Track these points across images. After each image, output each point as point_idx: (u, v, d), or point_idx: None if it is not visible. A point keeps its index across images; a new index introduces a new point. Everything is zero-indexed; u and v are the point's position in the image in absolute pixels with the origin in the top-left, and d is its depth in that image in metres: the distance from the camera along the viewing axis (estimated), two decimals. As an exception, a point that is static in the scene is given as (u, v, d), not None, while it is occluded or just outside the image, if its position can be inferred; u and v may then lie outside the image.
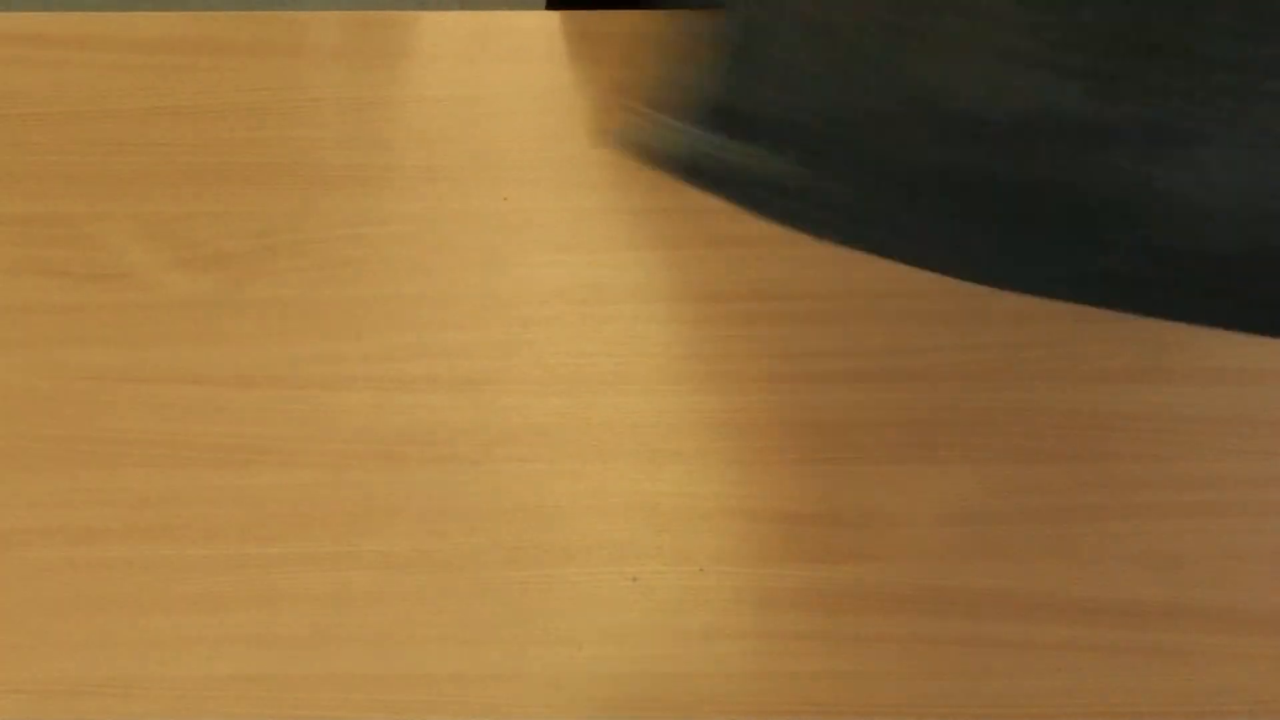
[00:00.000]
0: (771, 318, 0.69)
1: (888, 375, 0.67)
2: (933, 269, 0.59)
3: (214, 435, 0.65)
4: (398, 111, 0.76)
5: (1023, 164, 0.52)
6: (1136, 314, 0.58)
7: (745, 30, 0.54)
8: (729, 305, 0.69)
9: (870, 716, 0.58)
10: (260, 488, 0.64)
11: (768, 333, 0.69)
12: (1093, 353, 0.68)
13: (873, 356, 0.68)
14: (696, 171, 0.56)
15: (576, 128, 0.75)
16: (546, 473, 0.64)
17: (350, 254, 0.70)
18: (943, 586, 0.61)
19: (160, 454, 0.65)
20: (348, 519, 0.63)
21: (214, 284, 0.69)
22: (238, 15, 0.78)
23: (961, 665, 0.59)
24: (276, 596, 0.61)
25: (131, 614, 0.61)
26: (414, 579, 0.62)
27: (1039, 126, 0.51)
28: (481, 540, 0.63)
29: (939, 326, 0.69)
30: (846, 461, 0.64)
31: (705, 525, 0.63)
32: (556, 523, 0.63)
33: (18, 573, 0.62)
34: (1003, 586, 0.61)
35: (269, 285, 0.69)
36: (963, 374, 0.67)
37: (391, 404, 0.66)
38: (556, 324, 0.69)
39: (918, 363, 0.68)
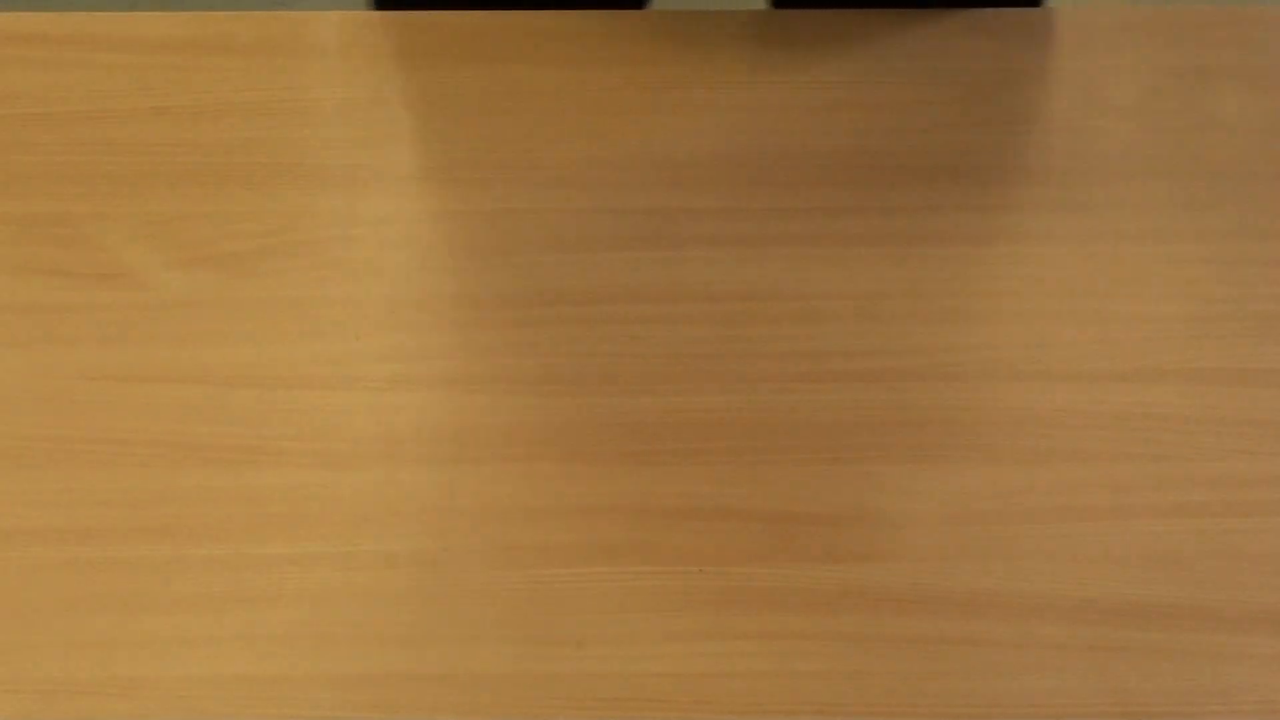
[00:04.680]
0: (771, 318, 0.69)
1: (888, 375, 0.67)
2: None
3: (214, 435, 0.65)
4: (396, 111, 0.76)
5: None
6: None
7: None
8: (729, 305, 0.69)
9: (870, 716, 0.58)
10: (260, 488, 0.64)
11: (768, 333, 0.69)
12: (1092, 353, 0.68)
13: (873, 356, 0.68)
14: None
15: (575, 127, 0.75)
16: (546, 473, 0.64)
17: (349, 254, 0.70)
18: (943, 586, 0.61)
19: (160, 454, 0.65)
20: (348, 519, 0.63)
21: (214, 284, 0.69)
22: (238, 15, 0.78)
23: (961, 665, 0.59)
24: (276, 596, 0.61)
25: (131, 614, 0.61)
26: (414, 579, 0.62)
27: None
28: (481, 540, 0.63)
29: (939, 326, 0.69)
30: (846, 461, 0.64)
31: (705, 525, 0.63)
32: (556, 523, 0.63)
33: (18, 573, 0.62)
34: (1003, 586, 0.61)
35: (268, 285, 0.69)
36: (963, 374, 0.67)
37: (391, 404, 0.66)
38: (556, 324, 0.69)
39: (918, 363, 0.68)
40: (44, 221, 0.71)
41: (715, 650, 0.59)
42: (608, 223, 0.72)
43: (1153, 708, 0.58)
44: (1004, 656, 0.59)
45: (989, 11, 0.80)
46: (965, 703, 0.58)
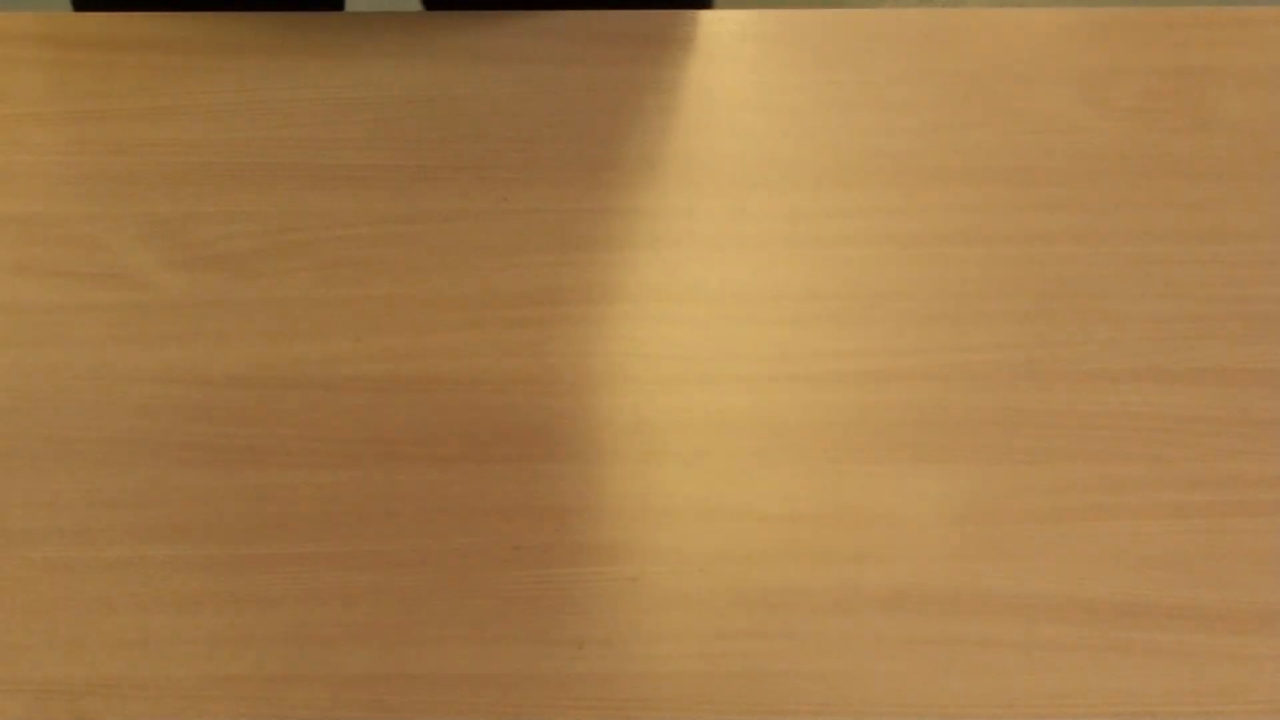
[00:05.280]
0: (772, 318, 0.69)
1: (888, 375, 0.67)
2: None
3: (214, 435, 0.65)
4: (397, 111, 0.76)
5: None
6: None
7: None
8: (729, 305, 0.69)
9: (870, 716, 0.58)
10: (260, 488, 0.64)
11: (768, 333, 0.69)
12: (1093, 353, 0.68)
13: (873, 356, 0.68)
14: None
15: (577, 128, 0.75)
16: (546, 473, 0.64)
17: (349, 254, 0.70)
18: (943, 586, 0.61)
19: (161, 454, 0.65)
20: (348, 519, 0.63)
21: (214, 284, 0.69)
22: (237, 15, 0.78)
23: (961, 665, 0.59)
24: (276, 596, 0.61)
25: (131, 614, 0.61)
26: (414, 579, 0.62)
27: None
28: (481, 540, 0.63)
29: (939, 326, 0.69)
30: (846, 461, 0.64)
31: (705, 525, 0.63)
32: (556, 523, 0.63)
33: (18, 573, 0.62)
34: (1003, 586, 0.61)
35: (269, 285, 0.69)
36: (963, 374, 0.67)
37: (391, 404, 0.66)
38: (556, 324, 0.69)
39: (918, 363, 0.68)
40: (44, 221, 0.71)
41: (715, 650, 0.59)
42: (608, 223, 0.72)
43: (1153, 708, 0.58)
44: (1004, 656, 0.59)
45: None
46: (965, 703, 0.58)
